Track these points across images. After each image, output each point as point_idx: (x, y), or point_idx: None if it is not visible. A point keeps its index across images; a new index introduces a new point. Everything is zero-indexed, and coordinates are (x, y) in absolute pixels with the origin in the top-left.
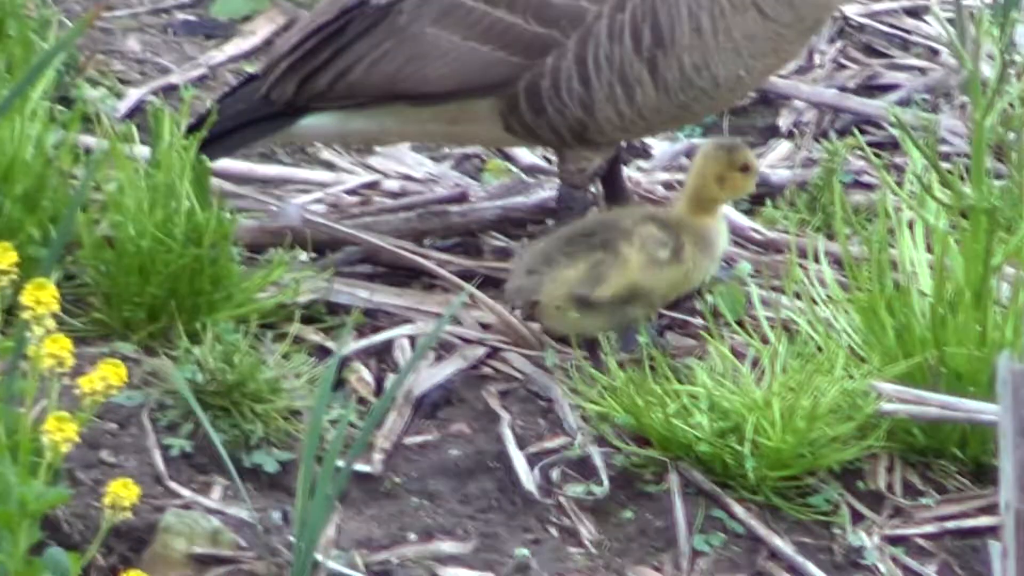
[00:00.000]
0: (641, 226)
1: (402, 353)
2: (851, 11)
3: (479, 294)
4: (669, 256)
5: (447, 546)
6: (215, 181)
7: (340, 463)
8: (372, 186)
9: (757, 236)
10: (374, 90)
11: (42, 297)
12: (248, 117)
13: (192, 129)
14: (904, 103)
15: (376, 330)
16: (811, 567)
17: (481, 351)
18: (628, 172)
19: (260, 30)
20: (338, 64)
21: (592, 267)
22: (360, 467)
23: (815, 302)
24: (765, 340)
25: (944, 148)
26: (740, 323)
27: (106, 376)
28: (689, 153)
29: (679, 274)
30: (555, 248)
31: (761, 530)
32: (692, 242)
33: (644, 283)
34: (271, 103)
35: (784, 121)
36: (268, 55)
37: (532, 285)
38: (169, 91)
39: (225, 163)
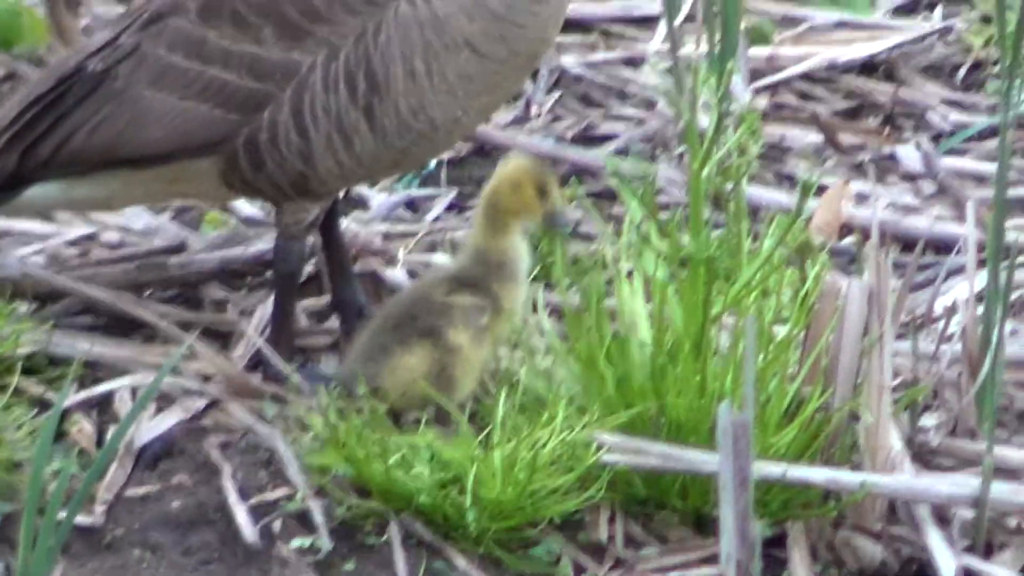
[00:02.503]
0: (454, 297)
1: (123, 404)
2: (568, 62)
3: (199, 345)
4: (491, 316)
5: None
6: None
7: (62, 515)
8: (91, 238)
9: None
10: (96, 156)
11: None
12: None
13: None
14: (622, 153)
15: (97, 381)
16: None
17: (202, 402)
18: (346, 223)
19: None
20: (59, 132)
21: (438, 371)
22: (82, 519)
23: (535, 353)
24: (486, 391)
25: (662, 198)
26: None
27: None
28: (408, 204)
29: (505, 322)
30: (386, 337)
31: None
32: (497, 278)
33: (486, 358)
34: None
35: None
36: None
37: (372, 372)
38: None
39: None
